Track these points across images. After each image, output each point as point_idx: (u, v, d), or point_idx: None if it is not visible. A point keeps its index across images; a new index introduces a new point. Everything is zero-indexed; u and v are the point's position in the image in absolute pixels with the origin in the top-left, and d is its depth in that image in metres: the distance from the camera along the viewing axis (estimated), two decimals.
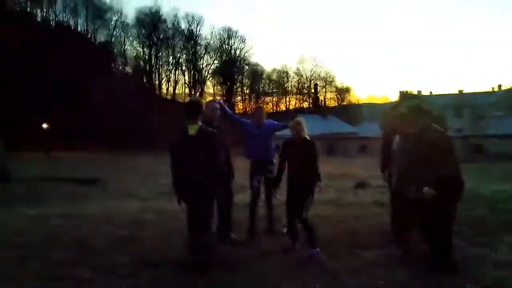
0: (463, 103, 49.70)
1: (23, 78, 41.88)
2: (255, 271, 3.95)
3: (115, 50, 62.65)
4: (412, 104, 4.18)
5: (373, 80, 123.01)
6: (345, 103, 71.07)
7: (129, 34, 63.40)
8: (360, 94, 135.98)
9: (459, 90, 59.38)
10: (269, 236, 5.18)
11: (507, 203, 6.89)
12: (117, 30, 62.06)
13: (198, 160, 3.85)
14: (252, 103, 69.67)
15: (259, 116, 5.38)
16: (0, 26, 40.21)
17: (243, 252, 4.52)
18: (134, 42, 63.96)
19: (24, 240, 5.04)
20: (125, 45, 63.43)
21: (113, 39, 61.93)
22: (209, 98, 65.84)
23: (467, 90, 64.41)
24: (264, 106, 68.35)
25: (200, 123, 3.95)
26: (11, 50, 41.06)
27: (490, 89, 59.18)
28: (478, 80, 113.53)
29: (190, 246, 4.02)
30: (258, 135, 5.29)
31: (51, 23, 56.87)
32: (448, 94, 58.12)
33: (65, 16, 58.46)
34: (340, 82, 76.85)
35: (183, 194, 4.01)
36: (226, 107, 5.26)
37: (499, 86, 58.11)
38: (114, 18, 61.41)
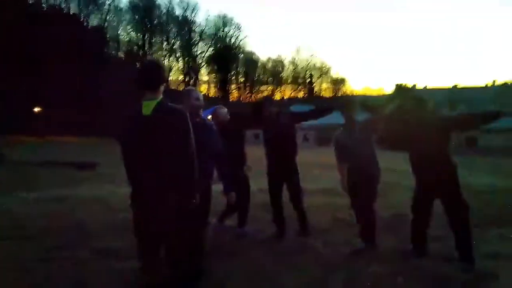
0: (458, 98, 50.10)
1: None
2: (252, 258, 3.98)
3: (108, 34, 61.88)
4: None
5: (369, 72, 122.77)
6: (340, 94, 71.07)
7: (123, 19, 62.63)
8: (356, 85, 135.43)
9: (453, 85, 59.92)
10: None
11: (493, 195, 7.18)
12: (111, 14, 61.22)
13: (154, 157, 2.50)
14: (247, 91, 69.42)
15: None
16: None
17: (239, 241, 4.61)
18: (128, 27, 63.25)
19: (23, 223, 5.10)
20: (118, 30, 62.73)
21: (106, 24, 61.15)
22: (204, 86, 66.00)
23: (461, 85, 65.12)
24: (259, 95, 68.37)
25: (161, 97, 2.59)
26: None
27: (484, 85, 59.87)
28: (473, 75, 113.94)
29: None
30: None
31: (42, 5, 55.82)
32: (443, 88, 58.55)
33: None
34: (335, 73, 76.78)
35: (137, 210, 2.58)
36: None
37: (494, 81, 58.86)
38: (107, 3, 60.52)
